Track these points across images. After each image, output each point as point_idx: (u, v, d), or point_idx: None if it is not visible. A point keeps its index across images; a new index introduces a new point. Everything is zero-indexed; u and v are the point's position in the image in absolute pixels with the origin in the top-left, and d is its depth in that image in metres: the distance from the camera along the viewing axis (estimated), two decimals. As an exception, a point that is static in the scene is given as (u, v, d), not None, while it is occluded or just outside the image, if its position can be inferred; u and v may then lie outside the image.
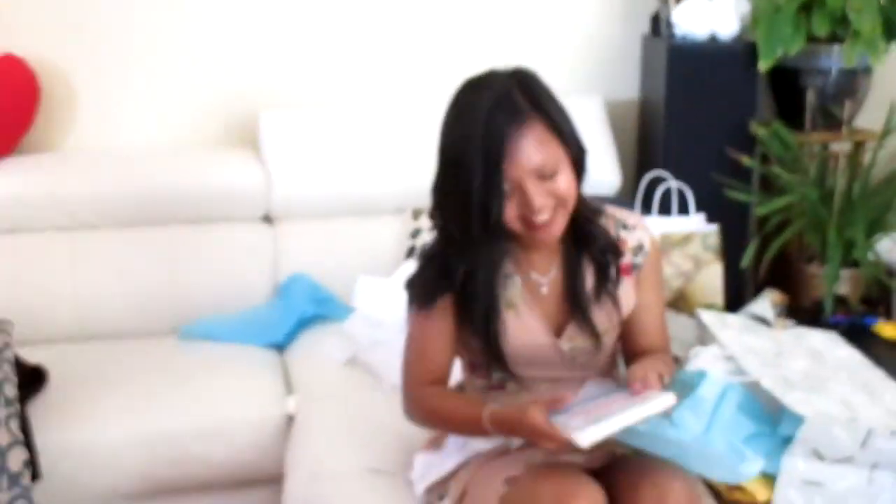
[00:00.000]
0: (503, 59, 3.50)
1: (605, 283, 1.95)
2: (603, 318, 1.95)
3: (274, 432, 2.59)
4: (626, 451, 1.92)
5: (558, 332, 1.95)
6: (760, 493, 1.99)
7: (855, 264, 3.12)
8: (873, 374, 2.33)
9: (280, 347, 2.96)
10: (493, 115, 1.79)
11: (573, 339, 1.95)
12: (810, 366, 2.28)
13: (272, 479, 2.60)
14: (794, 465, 1.98)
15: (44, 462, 2.40)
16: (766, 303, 2.73)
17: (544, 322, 1.95)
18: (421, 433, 2.35)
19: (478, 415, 1.84)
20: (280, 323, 2.95)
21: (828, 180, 3.26)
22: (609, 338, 1.98)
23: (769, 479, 1.99)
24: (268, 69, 3.39)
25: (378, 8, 3.46)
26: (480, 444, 1.99)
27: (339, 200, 3.22)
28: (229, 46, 3.35)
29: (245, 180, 3.15)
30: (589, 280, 1.94)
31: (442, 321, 1.94)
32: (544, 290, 1.96)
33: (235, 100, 3.36)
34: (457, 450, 2.02)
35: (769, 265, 3.14)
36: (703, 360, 2.21)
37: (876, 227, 3.16)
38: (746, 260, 3.10)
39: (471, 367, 2.03)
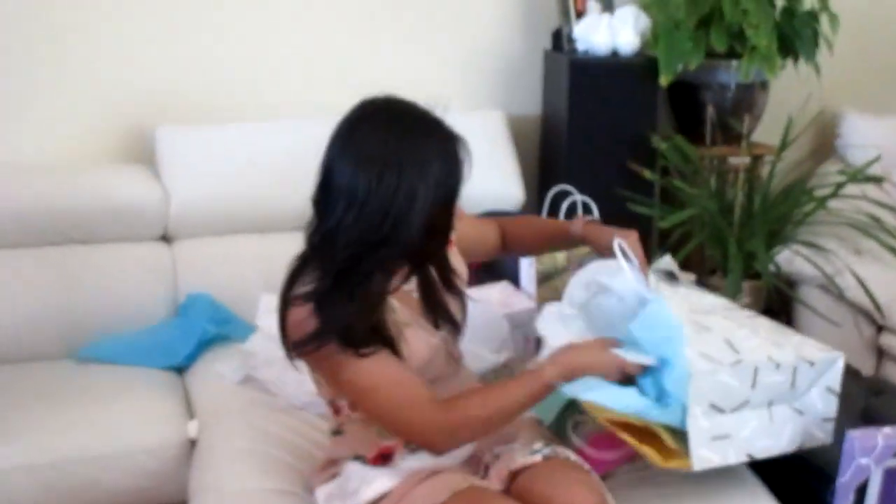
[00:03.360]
0: (404, 76, 3.53)
1: (445, 268, 2.03)
2: (454, 301, 2.03)
3: (176, 457, 2.51)
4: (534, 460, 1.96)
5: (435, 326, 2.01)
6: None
7: (756, 276, 3.16)
8: (743, 314, 2.31)
9: (180, 369, 2.88)
10: (458, 150, 1.86)
11: (443, 326, 2.01)
12: (688, 305, 2.24)
13: (174, 506, 2.54)
14: (699, 425, 1.96)
15: (-69, 494, 2.30)
16: (667, 259, 2.69)
17: (427, 324, 1.99)
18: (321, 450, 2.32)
19: (536, 378, 1.89)
20: (180, 344, 2.87)
21: (727, 193, 3.30)
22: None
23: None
24: (163, 83, 3.30)
25: (275, 23, 3.41)
26: (386, 477, 1.95)
27: (239, 218, 3.15)
28: (124, 60, 3.26)
29: (141, 198, 3.06)
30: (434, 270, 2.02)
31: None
32: (415, 294, 1.99)
33: (130, 115, 3.27)
34: (361, 481, 1.96)
35: (673, 278, 3.16)
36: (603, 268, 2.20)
37: (775, 239, 3.21)
38: (650, 273, 3.11)
39: (353, 406, 1.96)
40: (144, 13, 3.26)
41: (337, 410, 2.00)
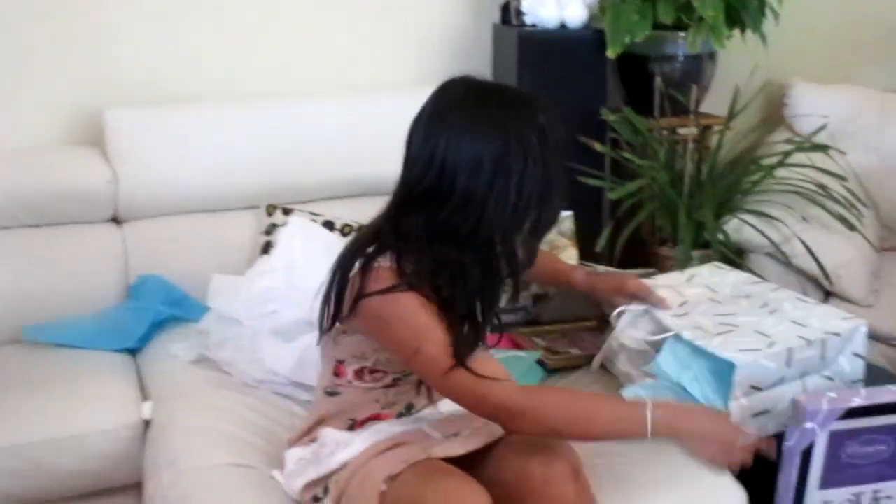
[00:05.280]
0: (354, 55, 3.52)
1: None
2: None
3: (130, 438, 2.50)
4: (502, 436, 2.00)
5: None
6: None
7: (706, 245, 3.19)
8: (765, 289, 2.51)
9: (133, 351, 2.87)
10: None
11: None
12: (711, 305, 2.40)
13: (131, 487, 2.53)
14: (740, 405, 2.12)
15: None
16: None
17: None
18: (283, 427, 2.33)
19: (632, 409, 1.89)
20: (133, 326, 2.85)
21: (677, 164, 3.33)
22: None
23: None
24: (111, 65, 3.27)
25: (227, 5, 3.38)
26: (359, 442, 1.97)
27: (191, 198, 3.13)
28: (71, 42, 3.22)
29: (91, 181, 3.03)
30: None
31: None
32: None
33: (78, 97, 3.24)
34: (336, 446, 1.99)
35: (625, 249, 3.18)
36: (627, 318, 2.37)
37: (724, 208, 3.24)
38: (601, 244, 3.14)
39: (360, 373, 1.99)
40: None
41: (339, 373, 2.01)
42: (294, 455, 2.09)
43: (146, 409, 2.53)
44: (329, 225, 3.08)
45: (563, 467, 1.90)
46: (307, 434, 2.10)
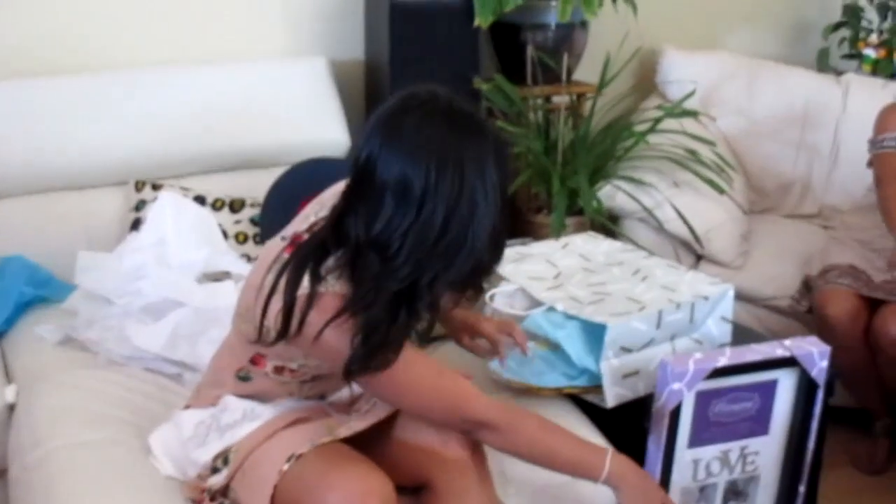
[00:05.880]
0: (220, 24, 3.43)
1: None
2: None
3: (-7, 425, 2.43)
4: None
5: None
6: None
7: (580, 212, 3.22)
8: (638, 257, 2.56)
9: (-3, 335, 2.78)
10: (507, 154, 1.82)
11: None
12: (585, 275, 2.44)
13: (-4, 475, 2.46)
14: (611, 366, 2.18)
15: None
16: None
17: None
18: (154, 401, 2.32)
19: (595, 453, 1.88)
20: (-4, 309, 2.77)
21: (551, 132, 3.35)
22: None
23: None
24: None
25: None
26: (267, 415, 1.94)
27: (55, 176, 3.02)
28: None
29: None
30: None
31: None
32: None
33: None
34: (243, 416, 1.94)
35: (500, 218, 3.19)
36: (500, 300, 2.36)
37: (598, 174, 3.27)
38: (477, 213, 3.14)
39: (280, 369, 1.91)
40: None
41: (257, 363, 1.92)
42: (191, 418, 2.01)
43: (10, 393, 2.45)
44: (200, 200, 3.02)
45: (458, 434, 1.91)
46: (206, 398, 2.02)
